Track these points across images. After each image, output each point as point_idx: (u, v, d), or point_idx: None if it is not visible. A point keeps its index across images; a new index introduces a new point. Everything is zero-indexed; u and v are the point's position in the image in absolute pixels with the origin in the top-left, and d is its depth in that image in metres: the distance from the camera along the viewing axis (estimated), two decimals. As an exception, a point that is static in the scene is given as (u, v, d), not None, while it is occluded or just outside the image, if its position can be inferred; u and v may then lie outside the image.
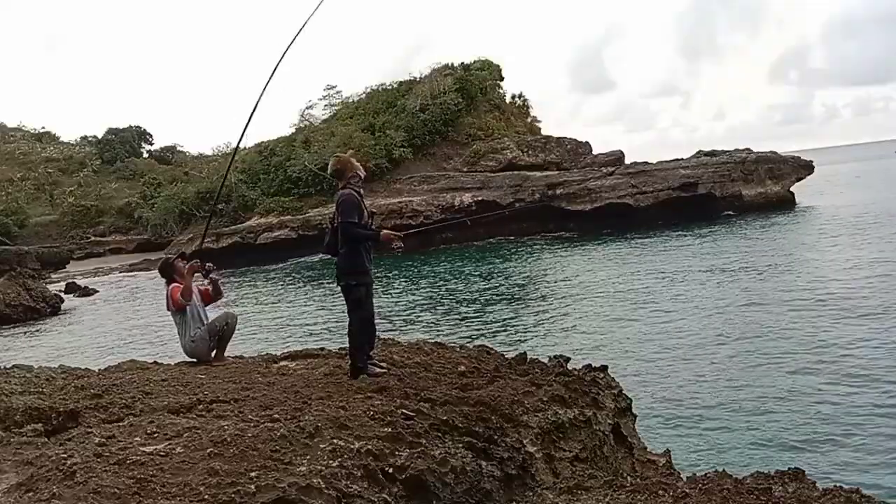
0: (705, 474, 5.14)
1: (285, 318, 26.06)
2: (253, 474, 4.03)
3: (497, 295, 26.49)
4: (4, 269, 38.30)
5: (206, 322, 7.63)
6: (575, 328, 19.33)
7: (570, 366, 7.06)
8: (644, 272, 27.68)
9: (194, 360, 7.63)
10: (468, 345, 8.36)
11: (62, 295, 37.34)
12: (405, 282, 32.45)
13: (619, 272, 28.61)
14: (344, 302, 6.59)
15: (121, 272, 54.63)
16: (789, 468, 5.10)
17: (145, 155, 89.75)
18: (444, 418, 5.28)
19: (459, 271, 34.27)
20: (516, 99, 61.51)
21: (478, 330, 20.33)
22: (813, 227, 36.60)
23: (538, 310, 22.65)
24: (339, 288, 6.61)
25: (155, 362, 7.72)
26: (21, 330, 29.58)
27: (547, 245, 42.33)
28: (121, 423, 5.02)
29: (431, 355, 7.32)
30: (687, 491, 4.69)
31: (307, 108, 64.19)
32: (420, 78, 58.40)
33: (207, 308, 7.89)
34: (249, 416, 5.09)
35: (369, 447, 4.62)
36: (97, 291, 42.09)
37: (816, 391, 12.37)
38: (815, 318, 17.29)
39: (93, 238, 70.83)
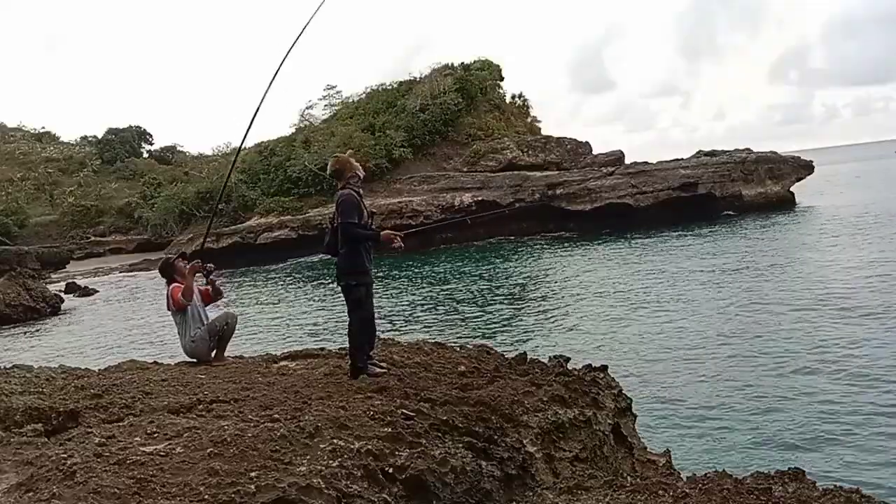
0: (705, 474, 5.14)
1: (285, 318, 26.05)
2: (253, 474, 4.03)
3: (497, 295, 26.48)
4: (4, 269, 38.28)
5: (206, 322, 7.64)
6: (575, 328, 19.33)
7: (570, 366, 7.06)
8: (644, 272, 27.68)
9: (194, 360, 7.64)
10: (468, 345, 8.35)
11: (62, 295, 37.32)
12: (405, 282, 32.44)
13: (619, 272, 28.60)
14: (344, 302, 6.59)
15: (121, 272, 54.63)
16: (789, 468, 5.09)
17: (145, 155, 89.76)
18: (444, 418, 5.28)
19: (459, 271, 34.26)
20: (516, 99, 61.56)
21: (478, 330, 20.32)
22: (813, 227, 36.59)
23: (538, 310, 22.65)
24: (339, 288, 6.62)
25: (155, 362, 7.72)
26: (21, 330, 29.58)
27: (547, 245, 42.32)
28: (121, 423, 5.02)
29: (431, 355, 7.32)
30: (687, 491, 4.69)
31: (307, 108, 64.29)
32: (420, 78, 58.41)
33: (207, 308, 7.90)
34: (249, 416, 5.09)
35: (369, 447, 4.62)
36: (97, 291, 42.09)
37: (816, 391, 12.36)
38: (816, 318, 17.28)
39: (93, 238, 70.84)
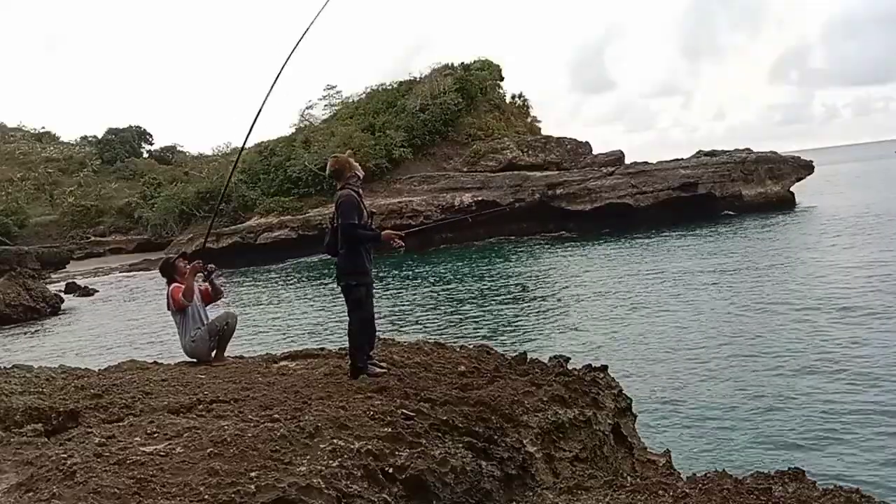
0: (705, 474, 5.14)
1: (285, 318, 26.06)
2: (253, 474, 4.03)
3: (497, 295, 26.48)
4: (4, 269, 38.28)
5: (206, 322, 7.64)
6: (575, 328, 19.33)
7: (570, 366, 7.05)
8: (644, 272, 27.68)
9: (194, 360, 7.63)
10: (468, 345, 8.34)
11: (62, 295, 37.35)
12: (405, 282, 32.45)
13: (619, 272, 28.60)
14: (344, 302, 6.58)
15: (121, 272, 54.66)
16: (789, 468, 5.09)
17: (145, 155, 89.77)
18: (444, 418, 5.27)
19: (459, 271, 34.27)
20: (516, 99, 61.57)
21: (478, 330, 20.32)
22: (813, 227, 36.59)
23: (538, 310, 22.65)
24: (339, 288, 6.61)
25: (155, 362, 7.72)
26: (21, 330, 29.58)
27: (547, 245, 42.33)
28: (121, 423, 5.02)
29: (431, 355, 7.32)
30: (687, 491, 4.69)
31: (307, 108, 64.33)
32: (420, 78, 58.41)
33: (207, 308, 7.90)
34: (249, 416, 5.09)
35: (369, 447, 4.62)
36: (97, 291, 42.11)
37: (816, 391, 12.36)
38: (816, 318, 17.28)
39: (93, 238, 70.86)
